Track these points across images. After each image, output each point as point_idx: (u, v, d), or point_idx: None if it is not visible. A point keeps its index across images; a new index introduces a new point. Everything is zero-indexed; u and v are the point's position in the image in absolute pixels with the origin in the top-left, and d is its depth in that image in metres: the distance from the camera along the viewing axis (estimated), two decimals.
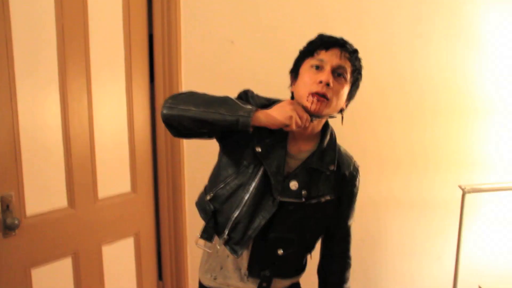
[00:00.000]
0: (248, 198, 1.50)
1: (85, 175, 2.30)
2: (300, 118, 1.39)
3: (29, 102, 2.05)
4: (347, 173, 1.58)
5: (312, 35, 1.48)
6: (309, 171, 1.51)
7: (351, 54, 1.45)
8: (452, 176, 2.44)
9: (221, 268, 1.63)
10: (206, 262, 1.69)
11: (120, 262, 2.53)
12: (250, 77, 2.48)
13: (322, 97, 1.39)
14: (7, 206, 2.01)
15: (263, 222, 1.50)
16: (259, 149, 1.49)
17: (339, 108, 1.48)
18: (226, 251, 1.58)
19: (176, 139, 2.56)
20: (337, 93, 1.42)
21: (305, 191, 1.50)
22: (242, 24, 2.46)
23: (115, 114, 2.41)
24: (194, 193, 2.59)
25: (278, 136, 1.50)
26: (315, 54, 1.44)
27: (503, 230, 2.48)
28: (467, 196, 2.18)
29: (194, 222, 2.63)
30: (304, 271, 1.69)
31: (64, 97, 2.17)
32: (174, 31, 2.50)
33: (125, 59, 2.42)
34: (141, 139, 2.53)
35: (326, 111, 1.43)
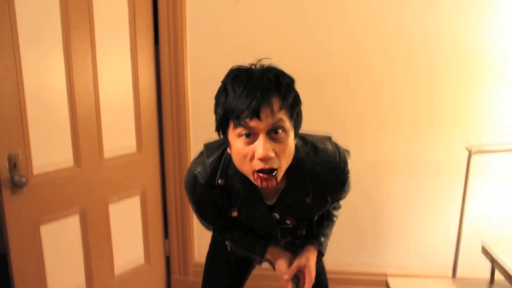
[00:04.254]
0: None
1: (91, 135, 2.31)
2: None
3: (33, 64, 2.04)
4: (331, 188, 1.46)
5: None
6: (287, 205, 1.46)
7: (284, 98, 1.22)
8: (458, 137, 2.42)
9: None
10: None
11: (127, 220, 2.57)
12: (255, 36, 2.45)
13: (269, 174, 1.22)
14: (14, 164, 2.03)
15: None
16: (235, 213, 1.48)
17: (292, 154, 1.29)
18: None
19: (181, 98, 2.56)
20: (283, 152, 1.23)
21: (289, 221, 1.49)
22: None
23: (120, 75, 2.40)
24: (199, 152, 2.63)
25: (249, 190, 1.39)
26: (241, 122, 1.19)
27: (508, 191, 2.48)
28: (474, 157, 2.18)
29: None
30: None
31: (69, 59, 2.16)
32: None
33: (129, 20, 2.39)
34: (146, 100, 2.52)
35: (280, 175, 1.25)
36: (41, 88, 2.09)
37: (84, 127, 2.26)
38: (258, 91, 1.17)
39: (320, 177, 1.39)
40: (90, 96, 2.27)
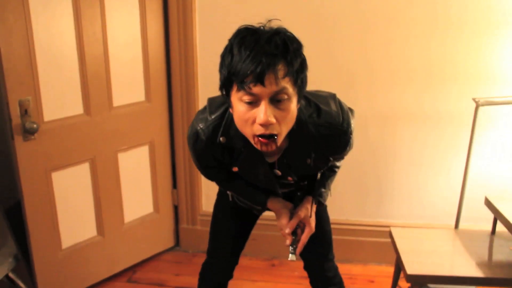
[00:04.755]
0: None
1: (100, 83, 2.32)
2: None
3: (42, 12, 2.04)
4: (333, 149, 1.46)
5: None
6: (288, 164, 1.47)
7: (290, 65, 1.20)
8: (468, 90, 2.41)
9: None
10: None
11: (136, 169, 2.61)
12: None
13: (268, 139, 1.23)
14: (26, 111, 2.06)
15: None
16: (236, 169, 1.49)
17: (293, 120, 1.29)
18: None
19: (190, 48, 2.55)
20: (284, 119, 1.23)
21: (290, 177, 1.51)
22: None
23: (128, 25, 2.40)
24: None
25: (250, 149, 1.37)
26: (245, 86, 1.18)
27: None
28: (481, 109, 2.17)
29: None
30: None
31: (77, 7, 2.16)
32: None
33: None
34: (154, 50, 2.52)
35: (280, 140, 1.27)
36: (50, 36, 2.10)
37: (93, 75, 2.27)
38: (264, 56, 1.15)
39: (323, 138, 1.40)
40: (99, 44, 2.27)
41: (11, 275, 2.17)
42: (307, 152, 1.43)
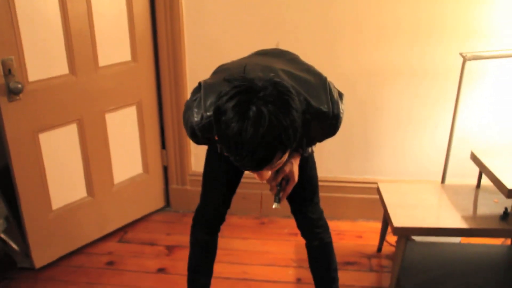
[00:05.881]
0: None
1: (84, 42, 2.28)
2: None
3: None
4: (321, 136, 1.58)
5: None
6: None
7: (286, 150, 1.21)
8: (456, 45, 2.41)
9: None
10: None
11: (124, 130, 2.60)
12: None
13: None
14: (9, 70, 2.02)
15: None
16: None
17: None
18: None
19: (175, 4, 2.49)
20: (279, 165, 1.28)
21: None
22: None
23: None
24: (195, 62, 2.62)
25: None
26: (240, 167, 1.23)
27: (501, 99, 2.51)
28: (468, 64, 2.18)
29: None
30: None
31: None
32: None
33: None
34: (139, 8, 2.46)
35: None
36: None
37: (77, 33, 2.23)
38: (261, 161, 1.17)
39: (311, 128, 1.45)
40: (82, 1, 2.22)
41: (2, 236, 2.19)
42: (300, 143, 1.51)
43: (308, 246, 1.92)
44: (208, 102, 1.39)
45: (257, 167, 1.21)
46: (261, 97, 1.15)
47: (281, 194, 1.59)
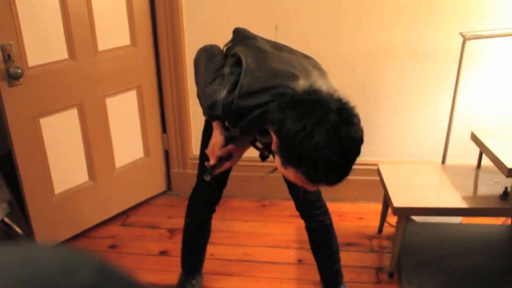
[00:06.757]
0: None
1: (83, 27, 2.28)
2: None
3: None
4: None
5: None
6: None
7: None
8: (456, 25, 2.39)
9: None
10: None
11: (124, 114, 2.61)
12: None
13: None
14: (9, 56, 2.02)
15: None
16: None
17: None
18: None
19: None
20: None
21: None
22: None
23: None
24: (194, 45, 2.60)
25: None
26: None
27: (501, 79, 2.51)
28: (468, 43, 2.17)
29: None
30: None
31: None
32: None
33: None
34: None
35: None
36: None
37: (76, 18, 2.23)
38: (346, 175, 1.26)
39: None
40: None
41: (6, 219, 2.20)
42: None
43: (308, 229, 1.94)
44: (245, 89, 1.37)
45: (339, 182, 1.27)
46: (344, 119, 1.20)
47: (217, 167, 1.63)
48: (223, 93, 1.40)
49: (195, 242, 2.03)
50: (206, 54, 1.59)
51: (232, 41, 1.64)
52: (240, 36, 1.62)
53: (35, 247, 0.36)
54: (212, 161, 1.61)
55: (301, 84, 1.35)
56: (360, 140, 1.24)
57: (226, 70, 1.45)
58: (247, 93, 1.36)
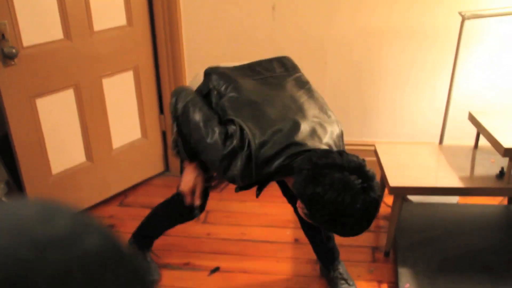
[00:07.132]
0: None
1: (79, 7, 2.26)
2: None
3: None
4: None
5: None
6: None
7: None
8: (455, 4, 2.37)
9: None
10: None
11: (121, 95, 2.60)
12: None
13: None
14: (3, 36, 2.01)
15: None
16: None
17: None
18: None
19: None
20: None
21: None
22: None
23: None
24: (191, 26, 2.59)
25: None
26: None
27: (500, 60, 2.49)
28: (467, 23, 2.15)
29: (192, 55, 2.65)
30: None
31: None
32: None
33: None
34: None
35: None
36: None
37: None
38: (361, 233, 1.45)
39: None
40: None
41: (4, 200, 2.21)
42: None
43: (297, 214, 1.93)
44: (260, 160, 1.44)
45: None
46: (366, 184, 1.33)
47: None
48: (239, 167, 1.46)
49: (169, 227, 2.15)
50: (195, 105, 1.58)
51: (208, 87, 1.64)
52: (217, 82, 1.62)
53: (16, 202, 0.37)
54: (197, 202, 1.72)
55: (304, 132, 1.47)
56: (379, 198, 1.39)
57: (236, 142, 1.47)
58: (263, 162, 1.45)
